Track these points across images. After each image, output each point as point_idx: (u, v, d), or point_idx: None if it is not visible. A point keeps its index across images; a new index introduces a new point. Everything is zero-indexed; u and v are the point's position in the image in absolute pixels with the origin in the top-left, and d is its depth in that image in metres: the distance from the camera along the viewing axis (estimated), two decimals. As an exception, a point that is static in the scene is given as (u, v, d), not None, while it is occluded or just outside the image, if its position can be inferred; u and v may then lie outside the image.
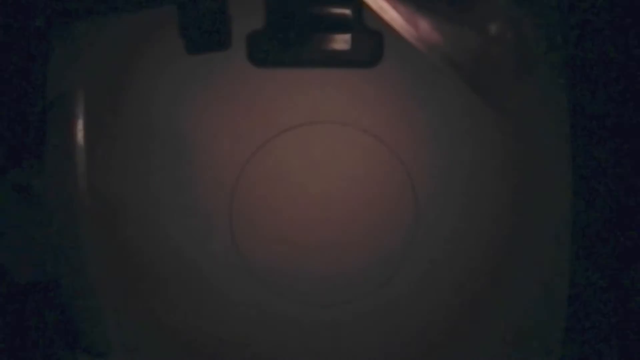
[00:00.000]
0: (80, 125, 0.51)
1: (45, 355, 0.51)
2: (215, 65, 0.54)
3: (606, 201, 0.53)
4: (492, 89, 0.45)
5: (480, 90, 0.45)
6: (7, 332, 0.50)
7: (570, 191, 0.53)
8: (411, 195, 0.54)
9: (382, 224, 0.54)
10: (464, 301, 0.53)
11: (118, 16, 0.54)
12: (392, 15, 0.43)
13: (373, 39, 0.53)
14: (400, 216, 0.54)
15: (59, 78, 0.53)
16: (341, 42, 0.54)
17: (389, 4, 0.43)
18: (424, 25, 0.43)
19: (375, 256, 0.53)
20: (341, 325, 0.53)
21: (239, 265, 0.53)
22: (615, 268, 0.53)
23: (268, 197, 0.54)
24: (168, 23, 0.54)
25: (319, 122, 0.54)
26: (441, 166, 0.54)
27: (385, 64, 0.54)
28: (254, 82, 0.54)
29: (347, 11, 0.53)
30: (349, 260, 0.53)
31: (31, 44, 0.53)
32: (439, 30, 0.43)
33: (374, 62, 0.54)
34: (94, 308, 0.50)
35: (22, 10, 0.52)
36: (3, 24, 0.52)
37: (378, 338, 0.53)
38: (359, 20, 0.53)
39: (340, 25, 0.54)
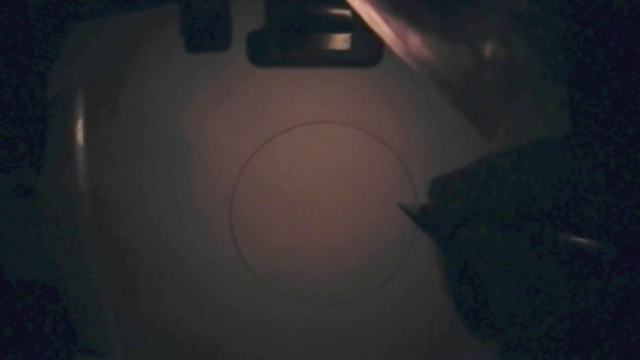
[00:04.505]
0: (80, 125, 0.51)
1: (45, 355, 0.51)
2: (215, 65, 0.54)
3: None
4: (481, 110, 0.45)
5: (468, 111, 0.45)
6: (6, 332, 0.50)
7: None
8: (411, 195, 0.54)
9: (383, 224, 0.54)
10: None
11: (118, 16, 0.54)
12: (383, 29, 0.43)
13: (373, 39, 0.53)
14: (401, 216, 0.54)
15: (59, 78, 0.53)
16: (341, 42, 0.54)
17: (380, 17, 0.43)
18: (415, 40, 0.43)
19: (375, 255, 0.54)
20: (341, 325, 0.53)
21: (238, 265, 0.53)
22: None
23: (268, 197, 0.54)
24: (168, 23, 0.54)
25: (319, 122, 0.54)
26: (441, 166, 0.54)
27: (385, 64, 0.54)
28: (254, 82, 0.54)
29: (347, 11, 0.53)
30: (349, 260, 0.53)
31: (31, 44, 0.53)
32: (430, 47, 0.43)
33: (374, 62, 0.54)
34: (94, 308, 0.50)
35: (22, 11, 0.52)
36: (3, 24, 0.52)
37: (379, 337, 0.53)
38: (358, 20, 0.53)
39: (340, 25, 0.54)
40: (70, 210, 0.50)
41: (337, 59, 0.54)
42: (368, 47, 0.54)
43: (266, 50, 0.54)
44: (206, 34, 0.54)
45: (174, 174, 0.53)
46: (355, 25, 0.53)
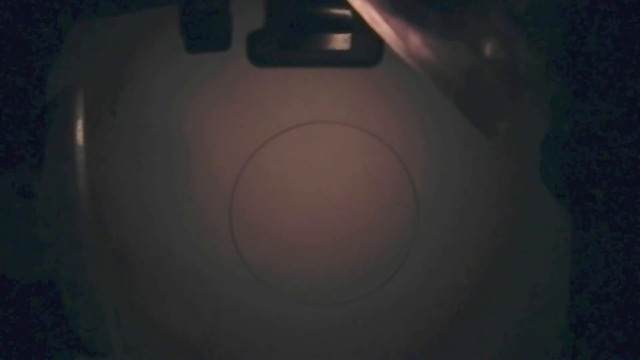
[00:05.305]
0: (80, 125, 0.51)
1: (44, 356, 0.51)
2: (215, 65, 0.54)
3: (605, 199, 0.53)
4: (481, 110, 0.45)
5: (469, 110, 0.45)
6: (6, 332, 0.50)
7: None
8: (411, 195, 0.54)
9: (383, 223, 0.54)
10: (465, 298, 0.53)
11: (118, 16, 0.54)
12: (384, 29, 0.43)
13: (373, 39, 0.53)
14: (401, 216, 0.54)
15: (59, 78, 0.53)
16: (341, 42, 0.54)
17: (381, 16, 0.43)
18: (415, 40, 0.43)
19: (375, 255, 0.54)
20: (341, 326, 0.53)
21: (238, 265, 0.53)
22: (615, 261, 0.53)
23: (268, 197, 0.54)
24: (168, 23, 0.54)
25: (319, 122, 0.54)
26: (441, 166, 0.54)
27: (385, 64, 0.54)
28: (254, 82, 0.54)
29: (347, 11, 0.53)
30: (349, 260, 0.53)
31: (31, 44, 0.53)
32: (430, 47, 0.43)
33: (374, 62, 0.54)
34: (94, 308, 0.50)
35: (22, 11, 0.52)
36: (3, 24, 0.52)
37: (378, 338, 0.53)
38: (359, 20, 0.53)
39: (340, 25, 0.54)
40: (70, 210, 0.50)
41: (337, 59, 0.54)
42: (368, 47, 0.54)
43: (266, 50, 0.54)
44: (206, 34, 0.54)
45: (174, 173, 0.53)
46: (355, 25, 0.53)
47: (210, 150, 0.54)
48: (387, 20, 0.41)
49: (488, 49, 0.43)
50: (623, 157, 0.48)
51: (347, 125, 0.54)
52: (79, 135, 0.50)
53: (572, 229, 0.53)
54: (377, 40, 0.53)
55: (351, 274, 0.53)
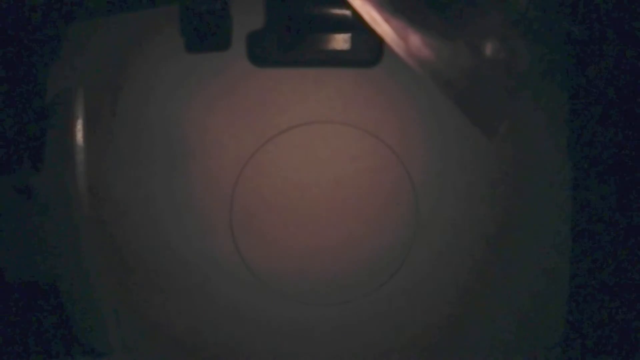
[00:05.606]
0: (80, 125, 0.51)
1: (44, 356, 0.51)
2: (215, 65, 0.54)
3: (604, 195, 0.53)
4: (481, 109, 0.45)
5: (469, 110, 0.45)
6: (6, 333, 0.50)
7: (569, 179, 0.53)
8: (411, 195, 0.54)
9: (382, 223, 0.54)
10: (464, 298, 0.53)
11: (118, 16, 0.54)
12: (384, 29, 0.43)
13: (373, 39, 0.53)
14: (400, 216, 0.54)
15: (59, 78, 0.53)
16: (341, 42, 0.54)
17: (381, 16, 0.43)
18: (415, 40, 0.43)
19: (375, 255, 0.54)
20: (340, 326, 0.53)
21: (238, 265, 0.53)
22: (615, 258, 0.53)
23: (268, 198, 0.54)
24: (168, 23, 0.54)
25: (319, 122, 0.54)
26: (441, 166, 0.54)
27: (385, 64, 0.54)
28: (254, 82, 0.54)
29: (347, 11, 0.53)
30: (349, 260, 0.53)
31: (31, 44, 0.53)
32: (430, 47, 0.43)
33: (374, 62, 0.54)
34: (94, 308, 0.50)
35: (22, 11, 0.52)
36: (3, 24, 0.52)
37: (378, 338, 0.53)
38: (359, 20, 0.53)
39: (340, 25, 0.54)
40: (70, 210, 0.50)
41: (337, 59, 0.54)
42: (368, 47, 0.54)
43: (266, 50, 0.54)
44: (206, 34, 0.54)
45: (174, 173, 0.53)
46: (355, 25, 0.53)
47: (210, 150, 0.54)
48: (387, 20, 0.41)
49: (488, 49, 0.43)
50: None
51: (347, 125, 0.54)
52: (79, 135, 0.50)
53: (572, 221, 0.53)
54: (377, 40, 0.53)
55: (351, 274, 0.53)
